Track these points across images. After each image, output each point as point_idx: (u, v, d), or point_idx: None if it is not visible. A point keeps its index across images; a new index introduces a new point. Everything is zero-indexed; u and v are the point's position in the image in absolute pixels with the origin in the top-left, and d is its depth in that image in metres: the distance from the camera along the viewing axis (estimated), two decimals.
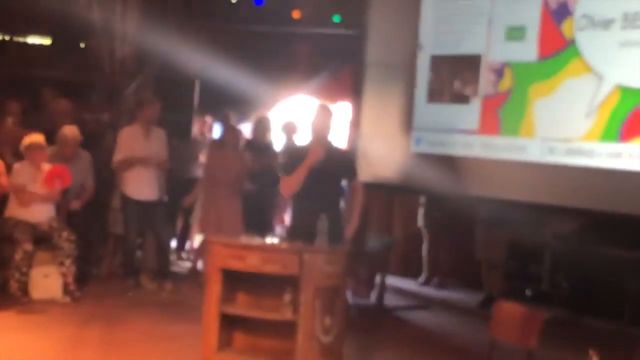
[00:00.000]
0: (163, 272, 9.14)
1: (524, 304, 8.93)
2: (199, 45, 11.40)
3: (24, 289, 8.11)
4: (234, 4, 12.14)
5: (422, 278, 10.96)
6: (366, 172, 8.71)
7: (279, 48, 12.20)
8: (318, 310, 5.81)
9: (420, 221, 10.73)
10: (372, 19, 8.93)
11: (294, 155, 6.65)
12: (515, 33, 7.67)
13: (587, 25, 7.15)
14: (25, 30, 12.36)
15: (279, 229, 9.90)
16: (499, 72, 7.75)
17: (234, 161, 9.31)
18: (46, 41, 12.55)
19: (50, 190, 8.35)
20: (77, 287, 8.34)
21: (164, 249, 9.14)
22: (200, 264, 9.70)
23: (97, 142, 9.85)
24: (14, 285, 8.05)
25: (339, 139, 9.93)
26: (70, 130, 8.83)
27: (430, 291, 10.51)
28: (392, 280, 10.28)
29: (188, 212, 10.73)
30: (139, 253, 9.59)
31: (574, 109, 7.17)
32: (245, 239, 6.36)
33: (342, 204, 7.05)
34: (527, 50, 7.56)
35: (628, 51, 6.88)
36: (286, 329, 5.87)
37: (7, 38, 12.69)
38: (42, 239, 8.34)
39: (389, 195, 9.35)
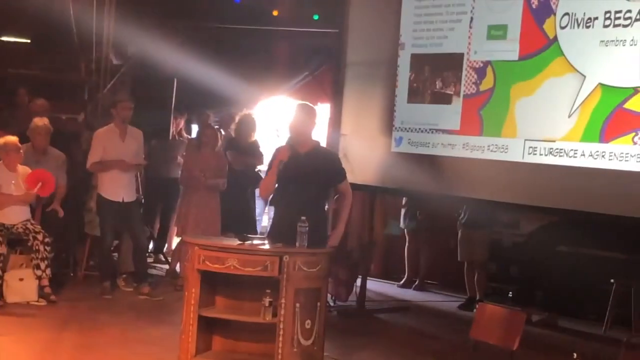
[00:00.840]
0: (140, 274, 9.04)
1: (506, 305, 8.95)
2: (177, 44, 11.32)
3: None
4: (213, 1, 12.06)
5: (403, 280, 10.92)
6: (348, 173, 8.64)
7: (258, 47, 12.13)
8: (298, 313, 5.77)
9: (402, 222, 10.69)
10: (352, 18, 8.86)
11: (276, 155, 6.53)
12: (497, 32, 7.62)
13: (569, 24, 7.10)
14: (3, 29, 12.21)
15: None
16: (480, 72, 7.70)
17: (212, 161, 9.25)
18: (25, 40, 12.41)
19: (30, 192, 8.25)
20: (53, 290, 8.25)
21: (141, 251, 9.03)
22: (178, 266, 9.61)
23: (74, 142, 9.76)
24: None
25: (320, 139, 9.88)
26: (41, 120, 8.75)
27: (411, 293, 10.46)
28: (373, 282, 10.24)
29: (166, 214, 10.64)
30: (115, 255, 9.49)
31: (556, 108, 7.12)
32: (224, 241, 6.28)
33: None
34: (509, 50, 7.50)
35: (610, 50, 6.83)
36: (266, 332, 5.84)
37: None
38: (17, 241, 8.23)
39: (370, 196, 9.27)
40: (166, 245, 10.95)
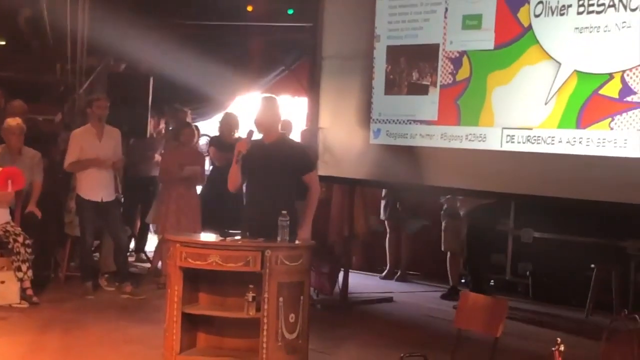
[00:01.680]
0: (122, 273, 9.01)
1: (489, 293, 9.00)
2: (152, 42, 11.28)
3: None
4: None
5: (385, 272, 10.95)
6: (327, 166, 8.67)
7: (233, 43, 12.10)
8: (282, 307, 5.78)
9: (382, 214, 10.71)
10: (327, 11, 8.85)
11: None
12: (472, 21, 7.63)
13: (543, 11, 7.13)
14: None
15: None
16: (456, 62, 7.71)
17: (190, 158, 9.25)
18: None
19: (3, 192, 8.20)
20: (35, 292, 8.21)
21: (121, 250, 9.00)
22: (160, 264, 9.58)
23: (52, 143, 9.71)
24: None
25: (297, 133, 9.88)
26: (14, 120, 8.70)
27: (394, 285, 10.49)
28: (356, 275, 10.26)
29: (146, 212, 10.62)
30: (96, 255, 9.46)
31: (533, 96, 7.14)
32: (205, 237, 6.27)
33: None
34: (484, 39, 7.51)
35: (584, 37, 6.86)
36: (250, 327, 5.84)
37: None
38: None
39: (350, 189, 9.28)
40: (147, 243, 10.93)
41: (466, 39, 7.66)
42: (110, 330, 7.42)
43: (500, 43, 7.43)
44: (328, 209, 9.28)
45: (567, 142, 6.95)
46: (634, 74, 6.56)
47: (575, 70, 6.90)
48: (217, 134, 9.81)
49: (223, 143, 9.39)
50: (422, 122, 7.96)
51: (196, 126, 10.20)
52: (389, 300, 9.54)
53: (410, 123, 8.05)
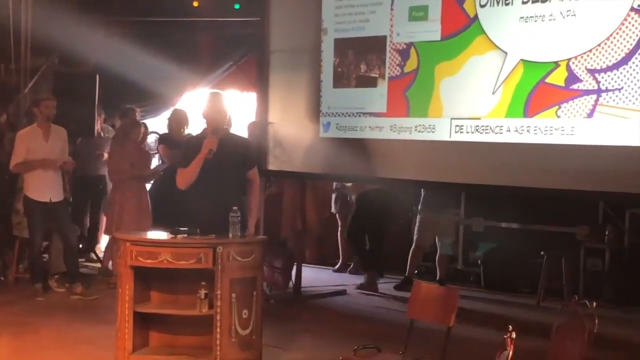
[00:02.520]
0: (72, 274, 8.92)
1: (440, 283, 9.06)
2: (98, 39, 11.15)
3: None
4: None
5: (337, 265, 10.96)
6: (277, 161, 8.65)
7: (180, 39, 12.01)
8: (235, 303, 5.76)
9: (333, 207, 10.71)
10: (274, 5, 8.82)
11: (190, 146, 6.47)
12: (418, 13, 7.65)
13: (489, 2, 7.16)
14: None
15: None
16: (404, 53, 7.73)
17: (139, 155, 9.19)
18: None
19: None
20: None
21: (71, 250, 8.90)
22: (110, 264, 9.49)
23: None
24: None
25: (244, 128, 9.83)
26: None
27: (347, 277, 10.51)
28: (309, 269, 10.26)
29: (95, 211, 10.52)
30: (46, 256, 9.35)
31: (480, 86, 7.19)
32: (156, 235, 6.21)
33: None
34: (431, 30, 7.54)
35: (530, 26, 6.90)
36: (203, 325, 5.81)
37: None
38: None
39: (301, 183, 9.28)
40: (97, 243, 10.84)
41: (413, 31, 7.68)
42: (62, 331, 7.34)
43: (447, 34, 7.46)
44: (280, 204, 9.26)
45: (515, 131, 7.00)
46: (579, 62, 6.63)
47: (522, 60, 6.95)
48: (166, 131, 9.74)
49: (172, 140, 9.32)
50: (371, 114, 7.97)
51: (144, 124, 10.11)
52: (343, 293, 9.56)
53: (359, 116, 8.06)
